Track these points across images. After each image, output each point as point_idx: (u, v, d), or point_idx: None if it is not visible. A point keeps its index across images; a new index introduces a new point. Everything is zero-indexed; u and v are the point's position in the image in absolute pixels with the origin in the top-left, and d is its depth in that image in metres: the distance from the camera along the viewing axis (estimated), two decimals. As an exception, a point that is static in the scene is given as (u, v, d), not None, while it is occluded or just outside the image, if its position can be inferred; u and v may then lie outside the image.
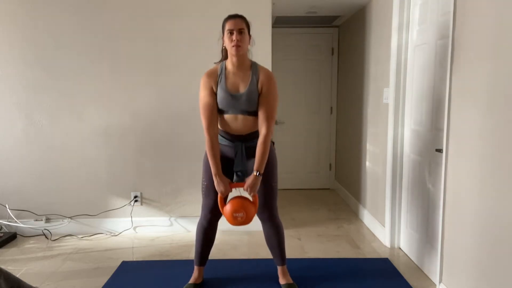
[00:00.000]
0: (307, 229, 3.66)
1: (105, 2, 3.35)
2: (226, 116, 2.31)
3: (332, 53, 5.02)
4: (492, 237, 1.90)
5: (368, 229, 3.67)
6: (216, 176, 2.29)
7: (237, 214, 2.27)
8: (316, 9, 4.05)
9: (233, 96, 2.26)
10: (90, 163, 3.50)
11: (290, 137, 5.10)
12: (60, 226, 3.53)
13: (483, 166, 1.96)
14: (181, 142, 3.51)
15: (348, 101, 4.54)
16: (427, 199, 2.72)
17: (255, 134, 2.35)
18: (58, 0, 3.33)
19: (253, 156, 2.35)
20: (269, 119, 2.27)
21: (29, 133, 3.45)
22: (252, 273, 2.73)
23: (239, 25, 2.22)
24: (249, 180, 2.28)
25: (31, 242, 3.37)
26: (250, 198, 2.35)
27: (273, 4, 3.67)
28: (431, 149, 2.64)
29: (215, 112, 2.30)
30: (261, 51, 3.41)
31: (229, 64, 2.31)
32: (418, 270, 2.79)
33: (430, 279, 2.66)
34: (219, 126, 2.37)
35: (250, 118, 2.30)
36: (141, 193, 3.57)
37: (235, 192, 2.61)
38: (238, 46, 2.20)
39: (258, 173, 2.27)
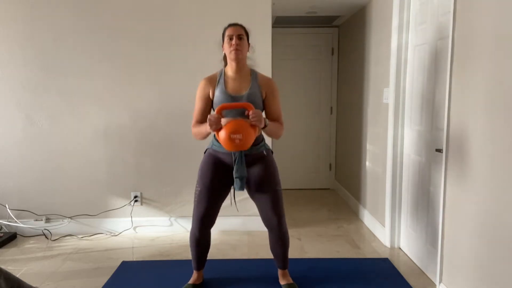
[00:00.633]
0: (307, 229, 3.66)
1: (105, 2, 3.35)
2: (225, 119, 2.27)
3: (332, 53, 5.02)
4: (492, 237, 1.90)
5: (368, 229, 3.67)
6: (205, 123, 2.20)
7: (235, 136, 2.07)
8: (316, 9, 4.05)
9: (233, 97, 2.26)
10: (90, 163, 3.50)
11: (290, 137, 5.09)
12: (60, 226, 3.53)
13: (483, 166, 1.96)
14: (181, 142, 3.51)
15: (348, 101, 4.54)
16: (427, 199, 2.72)
17: (255, 142, 2.33)
18: (58, 0, 3.33)
19: (253, 164, 2.34)
20: (280, 118, 2.38)
21: (29, 133, 3.46)
22: (252, 273, 2.73)
23: (238, 31, 2.28)
24: (256, 110, 2.15)
25: (31, 242, 3.37)
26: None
27: (273, 4, 3.67)
28: (431, 149, 2.64)
29: (206, 117, 2.32)
30: (261, 51, 3.41)
31: (229, 70, 2.33)
32: (418, 270, 2.79)
33: (430, 279, 2.66)
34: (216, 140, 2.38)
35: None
36: (141, 193, 3.57)
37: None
38: (237, 50, 2.24)
39: (267, 121, 2.21)
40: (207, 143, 3.43)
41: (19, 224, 3.47)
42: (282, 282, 2.52)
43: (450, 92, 2.25)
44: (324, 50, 5.03)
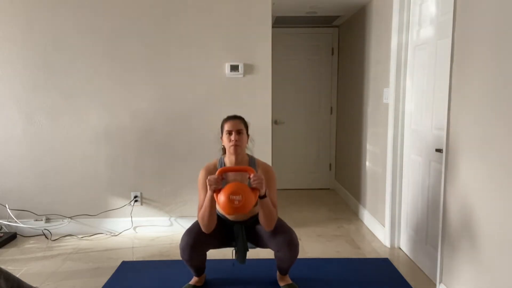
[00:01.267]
0: (307, 229, 3.66)
1: (105, 2, 3.35)
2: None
3: (332, 53, 5.02)
4: (492, 237, 1.90)
5: (368, 229, 3.67)
6: (207, 180, 2.16)
7: (234, 197, 2.03)
8: (316, 9, 4.05)
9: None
10: (90, 163, 3.50)
11: (290, 137, 5.10)
12: (60, 226, 3.53)
13: (483, 166, 1.96)
14: (181, 142, 3.51)
15: (348, 101, 4.54)
16: (427, 199, 2.72)
17: (256, 217, 2.38)
18: (59, 0, 3.33)
19: (254, 236, 2.38)
20: (275, 207, 2.28)
21: (29, 133, 3.45)
22: (252, 273, 2.73)
23: (237, 126, 2.30)
24: (258, 174, 2.16)
25: (31, 242, 3.37)
26: None
27: (273, 4, 3.67)
28: (431, 149, 2.64)
29: None
30: (261, 51, 3.42)
31: (227, 161, 2.36)
32: (418, 270, 2.79)
33: (430, 279, 2.66)
34: (218, 210, 2.39)
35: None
36: (141, 193, 3.57)
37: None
38: (236, 146, 2.27)
39: (267, 192, 2.20)
40: (207, 144, 3.44)
41: (19, 224, 3.47)
42: (282, 283, 2.52)
43: (450, 92, 2.25)
44: (324, 50, 5.03)
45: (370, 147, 3.73)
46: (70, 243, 3.34)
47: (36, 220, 3.52)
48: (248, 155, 2.41)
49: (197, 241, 2.27)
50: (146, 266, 2.86)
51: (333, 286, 2.54)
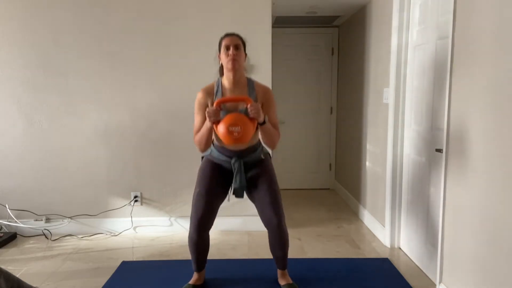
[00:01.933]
0: (307, 229, 3.66)
1: (105, 2, 3.35)
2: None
3: (332, 53, 5.02)
4: (492, 237, 1.90)
5: (368, 229, 3.67)
6: (206, 112, 2.18)
7: (233, 128, 2.08)
8: (316, 9, 4.05)
9: (230, 110, 2.25)
10: (90, 163, 3.50)
11: (290, 137, 5.10)
12: (60, 226, 3.53)
13: (483, 166, 1.96)
14: (181, 142, 3.51)
15: (348, 101, 4.54)
16: (427, 199, 2.72)
17: (254, 148, 2.38)
18: (58, 0, 3.33)
19: (251, 168, 2.37)
20: (276, 127, 2.37)
21: (29, 133, 3.46)
22: (252, 273, 2.73)
23: (235, 41, 2.28)
24: (255, 103, 2.17)
25: (31, 242, 3.37)
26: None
27: (273, 4, 3.67)
28: (431, 149, 2.64)
29: None
30: (261, 51, 3.41)
31: (226, 81, 2.32)
32: (418, 270, 2.79)
33: (430, 279, 2.66)
34: (216, 141, 2.39)
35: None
36: (141, 193, 3.57)
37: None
38: (234, 60, 2.23)
39: (267, 118, 2.26)
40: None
41: (19, 224, 3.47)
42: (282, 282, 2.52)
43: (450, 92, 2.25)
44: (324, 50, 5.03)
45: (370, 147, 3.73)
46: (70, 243, 3.34)
47: (36, 220, 3.52)
48: (246, 77, 2.37)
49: (203, 217, 2.33)
50: (146, 266, 2.86)
51: (333, 286, 2.54)
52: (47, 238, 3.44)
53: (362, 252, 3.12)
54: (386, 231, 3.23)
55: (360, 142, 4.06)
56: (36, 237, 3.48)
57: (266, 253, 3.06)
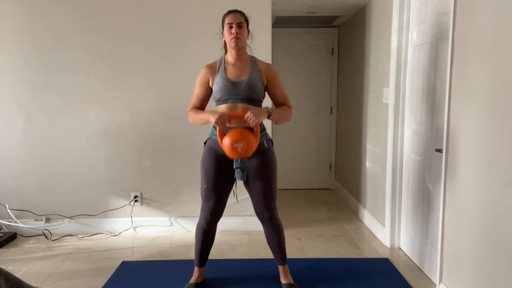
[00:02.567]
0: (307, 229, 3.66)
1: (105, 2, 3.35)
2: (226, 106, 2.28)
3: (332, 53, 5.02)
4: (492, 237, 1.90)
5: (368, 229, 3.67)
6: (210, 114, 2.20)
7: (237, 145, 2.16)
8: (316, 9, 4.05)
9: (233, 83, 2.28)
10: (90, 163, 3.50)
11: (290, 137, 5.10)
12: (60, 226, 3.53)
13: (483, 166, 1.96)
14: (181, 142, 3.51)
15: (348, 101, 4.54)
16: (427, 199, 2.72)
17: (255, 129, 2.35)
18: (58, 0, 3.33)
19: (253, 155, 2.33)
20: (287, 101, 2.41)
21: (29, 133, 3.46)
22: (252, 273, 2.73)
23: (238, 19, 2.29)
24: (254, 108, 2.21)
25: (31, 242, 3.37)
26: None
27: (273, 4, 3.67)
28: (431, 149, 2.64)
29: (203, 103, 2.42)
30: (261, 51, 3.41)
31: (229, 57, 2.37)
32: (418, 270, 2.79)
33: (430, 279, 2.66)
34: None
35: (251, 107, 2.26)
36: (141, 193, 3.57)
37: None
38: (237, 38, 2.26)
39: (270, 110, 2.27)
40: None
41: (19, 224, 3.47)
42: (284, 281, 2.52)
43: (450, 92, 2.25)
44: (324, 50, 5.03)
45: (370, 147, 3.73)
46: (70, 243, 3.34)
47: (36, 220, 3.52)
48: (249, 54, 2.41)
49: (215, 208, 2.39)
50: (146, 266, 2.86)
51: (333, 286, 2.54)
52: (47, 238, 3.44)
53: (362, 252, 3.12)
54: (386, 231, 3.23)
55: (360, 142, 4.06)
56: (36, 237, 3.48)
57: (266, 253, 3.06)
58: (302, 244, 3.29)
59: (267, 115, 2.24)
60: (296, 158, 5.15)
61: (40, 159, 3.48)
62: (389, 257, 3.00)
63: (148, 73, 3.43)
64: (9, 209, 3.49)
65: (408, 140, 3.00)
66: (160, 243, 3.32)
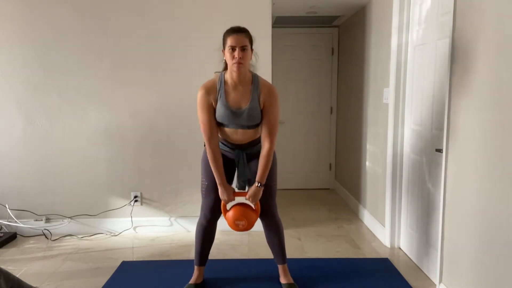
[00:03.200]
0: (307, 229, 3.66)
1: (105, 2, 3.35)
2: (226, 129, 2.31)
3: (332, 53, 5.02)
4: (492, 237, 1.90)
5: (368, 229, 3.67)
6: (220, 186, 2.31)
7: (238, 222, 2.32)
8: (316, 9, 4.05)
9: (234, 112, 2.23)
10: (90, 163, 3.50)
11: (290, 137, 5.10)
12: (60, 226, 3.53)
13: (483, 166, 1.96)
14: (181, 142, 3.51)
15: (348, 101, 4.54)
16: (427, 199, 2.72)
17: (256, 141, 2.38)
18: (58, 0, 3.33)
19: (254, 158, 2.37)
20: (272, 134, 2.27)
21: (29, 133, 3.45)
22: (252, 273, 2.73)
23: (241, 41, 2.13)
24: (251, 190, 2.31)
25: (31, 242, 3.37)
26: (252, 206, 2.39)
27: (273, 4, 3.66)
28: (431, 149, 2.64)
29: (215, 126, 2.29)
30: (261, 51, 3.41)
31: (229, 78, 2.23)
32: (418, 270, 2.79)
33: (430, 279, 2.66)
34: (218, 135, 2.38)
35: (250, 131, 2.31)
36: (141, 193, 3.57)
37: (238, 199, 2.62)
38: (239, 64, 2.13)
39: (260, 184, 2.29)
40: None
41: (19, 224, 3.47)
42: (283, 281, 2.53)
43: (450, 92, 2.25)
44: (324, 50, 5.03)
45: (370, 147, 3.73)
46: (70, 243, 3.34)
47: (36, 220, 3.52)
48: (251, 72, 2.28)
49: (215, 204, 2.42)
50: (146, 266, 2.86)
51: (333, 286, 2.54)
52: (47, 238, 3.44)
53: (362, 252, 3.12)
54: (386, 231, 3.23)
55: (360, 142, 4.06)
56: (36, 237, 3.48)
57: (266, 253, 3.06)
58: (302, 244, 3.29)
59: (261, 189, 2.31)
60: (296, 158, 5.15)
61: (40, 159, 3.48)
62: (389, 257, 3.00)
63: (148, 73, 3.43)
64: (9, 209, 3.49)
65: (408, 140, 3.00)
66: (160, 243, 3.32)
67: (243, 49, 2.13)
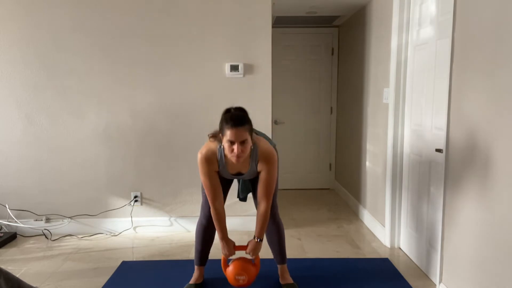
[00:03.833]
0: (307, 229, 3.66)
1: (105, 2, 3.35)
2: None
3: (332, 53, 5.02)
4: (492, 237, 1.90)
5: (368, 229, 3.67)
6: (222, 240, 2.35)
7: (239, 277, 2.33)
8: (316, 9, 4.05)
9: (234, 175, 2.37)
10: (90, 163, 3.50)
11: (290, 137, 5.10)
12: (60, 226, 3.53)
13: (483, 166, 1.96)
14: (181, 142, 3.51)
15: (348, 101, 4.54)
16: (427, 199, 2.72)
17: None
18: (58, 0, 3.33)
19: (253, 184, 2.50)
20: (268, 194, 2.28)
21: (29, 133, 3.45)
22: (252, 273, 2.73)
23: (241, 137, 2.06)
24: (250, 245, 2.35)
25: (31, 242, 3.37)
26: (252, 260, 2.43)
27: (273, 4, 3.67)
28: (431, 149, 2.64)
29: (219, 185, 2.31)
30: (261, 51, 3.42)
31: (229, 160, 2.27)
32: (418, 270, 2.79)
33: (430, 279, 2.67)
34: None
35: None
36: (141, 193, 3.57)
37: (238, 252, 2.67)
38: (238, 157, 2.09)
39: (258, 239, 2.33)
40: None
41: (19, 224, 3.47)
42: (283, 281, 2.53)
43: (450, 92, 2.25)
44: (324, 50, 5.03)
45: (370, 147, 3.73)
46: (70, 243, 3.34)
47: (36, 220, 3.52)
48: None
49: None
50: (146, 266, 2.86)
51: (333, 286, 2.54)
52: (47, 238, 3.44)
53: (362, 252, 3.12)
54: (386, 231, 3.23)
55: (360, 142, 4.06)
56: (36, 237, 3.48)
57: (266, 253, 3.06)
58: (302, 244, 3.29)
59: (261, 244, 2.35)
60: (296, 158, 5.15)
61: (40, 159, 3.48)
62: (389, 257, 3.00)
63: (148, 73, 3.43)
64: (9, 209, 3.49)
65: (408, 140, 3.00)
66: (160, 243, 3.32)
67: (242, 143, 2.07)
